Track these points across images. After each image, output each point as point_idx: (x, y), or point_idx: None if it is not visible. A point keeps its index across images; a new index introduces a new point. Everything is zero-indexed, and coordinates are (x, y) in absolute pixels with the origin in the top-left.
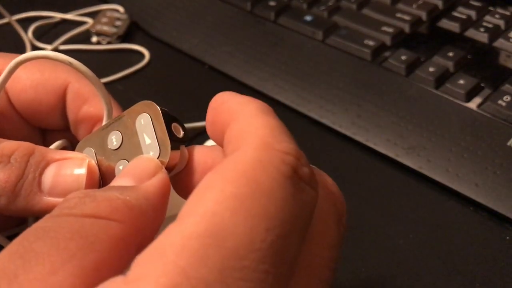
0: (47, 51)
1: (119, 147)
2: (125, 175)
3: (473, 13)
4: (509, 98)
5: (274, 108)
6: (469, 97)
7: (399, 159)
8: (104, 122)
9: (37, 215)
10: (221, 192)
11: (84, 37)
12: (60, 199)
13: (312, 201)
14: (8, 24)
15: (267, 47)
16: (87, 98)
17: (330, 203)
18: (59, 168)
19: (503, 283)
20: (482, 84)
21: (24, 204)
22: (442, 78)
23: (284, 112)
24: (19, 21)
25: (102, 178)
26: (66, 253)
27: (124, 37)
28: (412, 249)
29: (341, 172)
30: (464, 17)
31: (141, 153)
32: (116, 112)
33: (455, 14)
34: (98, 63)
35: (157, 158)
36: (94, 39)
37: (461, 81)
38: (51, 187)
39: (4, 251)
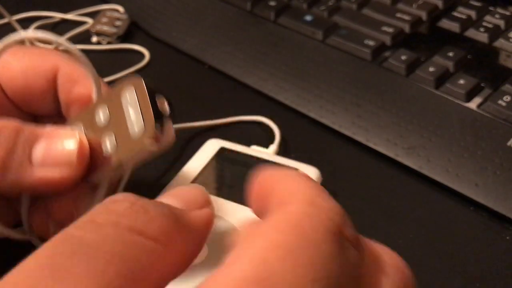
0: (34, 31)
1: (106, 122)
2: (175, 197)
3: (473, 13)
4: (509, 98)
5: (274, 108)
6: (469, 97)
7: (399, 159)
8: (93, 100)
9: (29, 190)
10: (270, 240)
11: (84, 37)
12: (51, 172)
13: (357, 262)
14: (8, 24)
15: (267, 47)
16: (77, 80)
17: (398, 278)
18: (49, 142)
19: (503, 283)
20: (482, 84)
21: (15, 178)
22: (442, 78)
23: (284, 112)
24: (19, 21)
25: (90, 153)
26: (103, 280)
27: (124, 37)
28: (412, 249)
29: (341, 172)
30: (464, 17)
31: (127, 128)
32: (104, 89)
33: (455, 14)
34: (98, 63)
35: (141, 133)
36: (94, 39)
37: (461, 81)
38: (42, 160)
39: (33, 259)
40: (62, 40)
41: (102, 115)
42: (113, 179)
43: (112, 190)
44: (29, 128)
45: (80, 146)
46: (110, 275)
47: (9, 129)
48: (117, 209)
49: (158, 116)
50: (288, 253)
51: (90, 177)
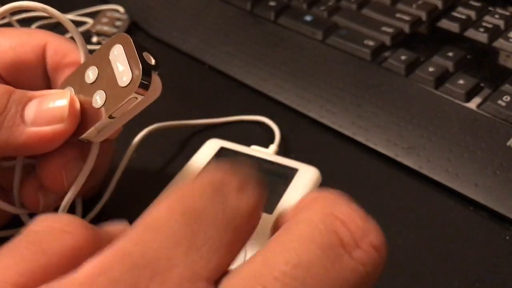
0: (20, 1)
1: (95, 80)
2: None
3: (472, 13)
4: (508, 98)
5: (274, 108)
6: (468, 97)
7: (399, 159)
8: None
9: (22, 148)
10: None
11: (85, 38)
12: (43, 128)
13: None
14: (8, 24)
15: (267, 47)
16: (66, 53)
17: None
18: (41, 101)
19: (503, 282)
20: (481, 84)
21: (7, 136)
22: (442, 78)
23: (284, 112)
24: (20, 21)
25: (81, 111)
26: (19, 257)
27: None
28: (412, 249)
29: (340, 172)
30: (463, 17)
31: (115, 80)
32: None
33: (455, 14)
34: None
35: (129, 82)
36: (95, 39)
37: (461, 81)
38: (34, 118)
39: None
40: (47, 6)
41: (91, 73)
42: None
43: (106, 159)
44: (20, 91)
45: (71, 102)
46: (25, 255)
47: (1, 90)
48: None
49: (146, 66)
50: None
51: (82, 135)
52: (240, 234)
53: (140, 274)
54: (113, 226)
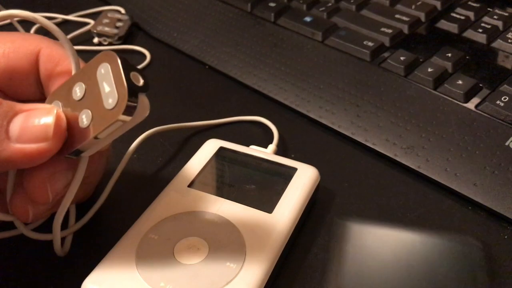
0: (12, 10)
1: (82, 97)
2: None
3: (471, 14)
4: (507, 99)
5: (274, 108)
6: (467, 97)
7: (398, 158)
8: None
9: (6, 164)
10: None
11: (86, 38)
12: (28, 146)
13: None
14: (10, 25)
15: (267, 47)
16: (59, 60)
17: None
18: (27, 117)
19: (502, 282)
20: (480, 85)
21: None
22: (440, 79)
23: (283, 112)
24: (21, 22)
25: (68, 129)
26: None
27: (125, 38)
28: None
29: (339, 171)
30: (462, 18)
31: (101, 101)
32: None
33: (454, 15)
34: None
35: (115, 105)
36: (96, 40)
37: (460, 82)
38: (19, 135)
39: None
40: (39, 16)
41: (78, 90)
42: (94, 155)
43: (96, 170)
44: (8, 103)
45: (57, 120)
46: None
47: None
48: None
49: (132, 89)
50: None
51: (68, 152)
52: None
53: None
54: None
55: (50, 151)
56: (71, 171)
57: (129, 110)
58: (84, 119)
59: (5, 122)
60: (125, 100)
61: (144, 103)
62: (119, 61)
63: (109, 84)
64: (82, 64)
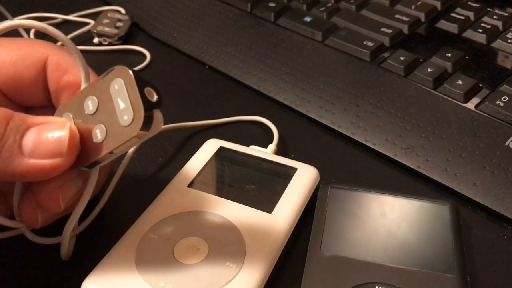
0: (21, 19)
1: (95, 111)
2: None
3: (471, 14)
4: (507, 99)
5: (274, 108)
6: (467, 97)
7: (398, 158)
8: (82, 88)
9: (19, 178)
10: None
11: (86, 38)
12: (41, 161)
13: None
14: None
15: (267, 47)
16: (67, 68)
17: None
18: (40, 131)
19: (502, 281)
20: (480, 85)
21: (5, 166)
22: (440, 79)
23: (283, 112)
24: None
25: (81, 143)
26: None
27: (125, 38)
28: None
29: (340, 171)
30: (462, 18)
31: (116, 118)
32: (93, 78)
33: (454, 15)
34: (99, 63)
35: (131, 122)
36: (96, 40)
37: (460, 82)
38: (33, 150)
39: None
40: (49, 26)
41: (91, 104)
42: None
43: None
44: (20, 116)
45: (71, 135)
46: None
47: (0, 116)
48: None
49: (147, 104)
50: None
51: (81, 166)
52: None
53: None
54: None
55: (64, 166)
56: (80, 179)
57: (145, 127)
58: (98, 134)
59: (18, 137)
60: (141, 118)
61: (158, 118)
62: (133, 77)
63: (123, 100)
64: (92, 73)
